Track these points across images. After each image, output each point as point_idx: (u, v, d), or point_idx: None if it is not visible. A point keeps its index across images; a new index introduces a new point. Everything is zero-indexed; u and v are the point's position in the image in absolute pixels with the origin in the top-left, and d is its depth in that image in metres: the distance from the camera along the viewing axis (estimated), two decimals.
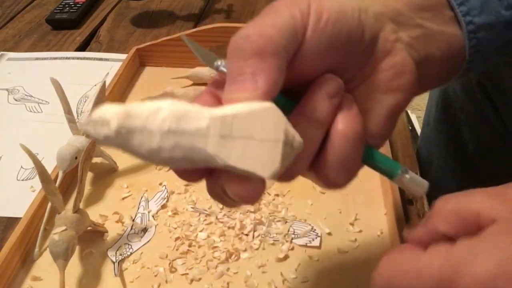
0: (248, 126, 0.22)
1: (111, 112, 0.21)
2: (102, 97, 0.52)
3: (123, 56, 0.73)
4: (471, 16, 0.30)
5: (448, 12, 0.30)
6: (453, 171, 0.61)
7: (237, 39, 0.25)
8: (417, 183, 0.28)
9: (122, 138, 0.21)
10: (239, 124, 0.22)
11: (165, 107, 0.22)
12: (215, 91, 0.26)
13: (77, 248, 0.43)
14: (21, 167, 0.56)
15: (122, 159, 0.54)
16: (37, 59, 0.77)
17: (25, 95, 0.69)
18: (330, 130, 0.26)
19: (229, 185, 0.23)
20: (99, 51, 0.79)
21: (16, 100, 0.68)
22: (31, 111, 0.66)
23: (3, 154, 0.58)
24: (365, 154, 0.27)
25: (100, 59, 0.76)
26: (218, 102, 0.26)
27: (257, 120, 0.22)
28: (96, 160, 0.54)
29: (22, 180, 0.55)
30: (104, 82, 0.53)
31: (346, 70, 0.27)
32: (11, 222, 0.49)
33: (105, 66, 0.75)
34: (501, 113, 0.52)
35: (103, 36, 0.84)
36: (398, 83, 0.28)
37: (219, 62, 0.27)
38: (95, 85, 0.70)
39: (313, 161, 0.27)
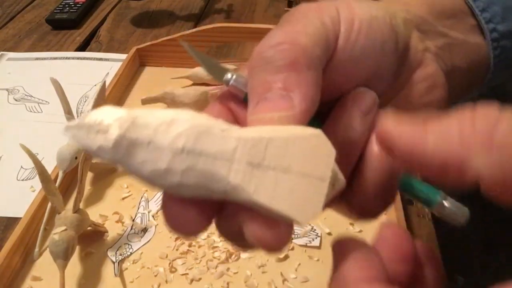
0: (287, 155, 0.18)
1: (112, 116, 0.17)
2: (102, 97, 0.52)
3: (123, 56, 0.73)
4: (494, 24, 0.29)
5: (470, 20, 0.29)
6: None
7: (263, 48, 0.21)
8: (458, 211, 0.24)
9: (121, 152, 0.17)
10: (274, 151, 0.18)
11: (182, 119, 0.17)
12: (227, 103, 0.23)
13: (77, 248, 0.43)
14: (21, 167, 0.56)
15: None
16: (37, 59, 0.77)
17: (25, 95, 0.69)
18: (365, 152, 0.23)
19: (249, 226, 0.19)
20: (99, 51, 0.79)
21: (16, 100, 0.68)
22: (31, 111, 0.66)
23: (3, 154, 0.58)
24: (402, 179, 0.24)
25: (100, 59, 0.76)
26: (234, 117, 0.22)
27: (299, 149, 0.18)
28: (96, 160, 0.54)
29: (22, 180, 0.55)
30: (104, 82, 0.53)
31: (378, 83, 0.24)
32: (11, 222, 0.49)
33: (105, 66, 0.75)
34: None
35: (103, 36, 0.84)
36: (430, 98, 0.26)
37: (229, 76, 0.22)
38: (95, 85, 0.70)
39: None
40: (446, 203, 0.24)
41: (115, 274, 0.43)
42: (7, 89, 0.70)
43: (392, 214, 0.45)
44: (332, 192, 0.19)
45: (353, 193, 0.23)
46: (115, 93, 0.63)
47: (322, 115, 0.23)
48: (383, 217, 0.47)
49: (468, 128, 0.17)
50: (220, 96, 0.23)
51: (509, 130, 0.17)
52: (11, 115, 0.65)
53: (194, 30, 0.68)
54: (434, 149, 0.18)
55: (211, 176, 0.17)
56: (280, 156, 0.18)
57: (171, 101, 0.59)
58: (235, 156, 0.18)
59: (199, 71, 0.65)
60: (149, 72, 0.71)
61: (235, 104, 0.22)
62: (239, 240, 0.20)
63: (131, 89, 0.67)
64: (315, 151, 0.18)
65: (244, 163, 0.18)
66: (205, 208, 0.19)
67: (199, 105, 0.58)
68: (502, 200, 0.17)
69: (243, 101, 0.22)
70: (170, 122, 0.17)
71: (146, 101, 0.59)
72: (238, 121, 0.22)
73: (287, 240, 0.19)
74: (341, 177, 0.20)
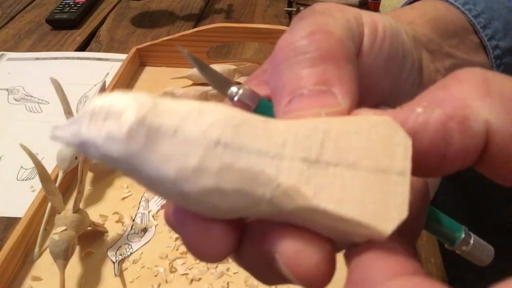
0: (351, 148, 0.14)
1: (125, 99, 0.14)
2: None
3: (123, 56, 0.73)
4: (496, 40, 0.29)
5: (474, 38, 0.29)
6: (446, 189, 0.61)
7: (293, 39, 0.18)
8: (482, 249, 0.22)
9: (137, 143, 0.13)
10: (335, 144, 0.14)
11: (214, 109, 0.14)
12: None
13: (77, 248, 0.43)
14: (21, 167, 0.56)
15: None
16: (37, 59, 0.77)
17: (25, 95, 0.69)
18: None
19: (289, 255, 0.14)
20: (99, 51, 0.79)
21: (16, 100, 0.68)
22: (31, 111, 0.66)
23: (3, 154, 0.58)
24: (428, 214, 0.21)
25: (100, 59, 0.76)
26: None
27: (366, 139, 0.14)
28: (96, 160, 0.54)
29: (22, 180, 0.55)
30: (104, 82, 0.53)
31: (396, 101, 0.22)
32: (11, 222, 0.49)
33: (105, 66, 0.75)
34: None
35: (103, 36, 0.84)
36: None
37: (235, 90, 0.19)
38: (95, 85, 0.70)
39: None
40: (470, 241, 0.22)
41: (115, 274, 0.43)
42: (7, 89, 0.70)
43: None
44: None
45: None
46: None
47: None
48: None
49: (458, 88, 0.15)
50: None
51: (500, 79, 0.15)
52: (11, 115, 0.65)
53: (194, 30, 0.68)
54: (426, 114, 0.15)
55: (254, 177, 0.13)
56: (343, 150, 0.14)
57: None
58: (284, 151, 0.14)
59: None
60: (149, 72, 0.71)
61: None
62: (269, 273, 0.16)
63: (131, 89, 0.67)
64: (385, 141, 0.14)
65: (298, 160, 0.14)
66: (232, 226, 0.15)
67: None
68: (506, 173, 0.15)
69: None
70: (200, 111, 0.14)
71: None
72: None
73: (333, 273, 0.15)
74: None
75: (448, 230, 0.22)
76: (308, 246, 0.14)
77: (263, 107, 0.19)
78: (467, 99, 0.14)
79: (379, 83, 0.21)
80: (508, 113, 0.14)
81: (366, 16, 0.20)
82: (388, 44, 0.20)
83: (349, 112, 0.16)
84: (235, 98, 0.19)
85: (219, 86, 0.21)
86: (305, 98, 0.16)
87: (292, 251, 0.14)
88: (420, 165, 0.15)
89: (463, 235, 0.21)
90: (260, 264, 0.16)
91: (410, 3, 0.31)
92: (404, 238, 0.16)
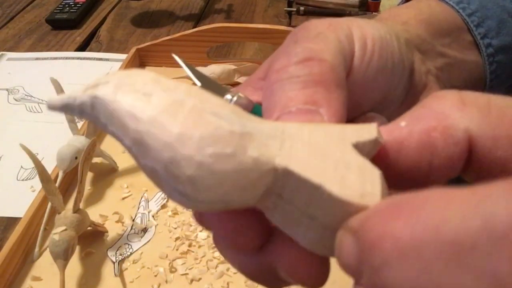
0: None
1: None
2: None
3: (123, 56, 0.73)
4: (489, 39, 0.29)
5: (467, 36, 0.29)
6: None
7: (287, 63, 0.19)
8: None
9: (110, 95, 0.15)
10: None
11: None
12: None
13: (77, 248, 0.43)
14: (21, 167, 0.56)
15: (122, 159, 0.54)
16: (37, 59, 0.77)
17: (25, 95, 0.69)
18: None
19: (288, 264, 0.16)
20: (99, 51, 0.79)
21: (16, 100, 0.68)
22: (31, 111, 0.66)
23: (3, 154, 0.58)
24: None
25: (100, 59, 0.76)
26: None
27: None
28: (96, 160, 0.54)
29: (22, 180, 0.55)
30: None
31: (386, 107, 0.24)
32: (11, 222, 0.49)
33: (105, 66, 0.75)
34: None
35: (103, 36, 0.84)
36: None
37: (229, 97, 0.20)
38: None
39: None
40: None
41: (115, 274, 0.43)
42: (7, 89, 0.70)
43: None
44: None
45: None
46: None
47: None
48: None
49: (437, 103, 0.16)
50: None
51: (473, 94, 0.15)
52: (11, 115, 0.65)
53: (194, 30, 0.68)
54: (410, 126, 0.16)
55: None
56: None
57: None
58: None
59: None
60: None
61: None
62: (271, 278, 0.17)
63: None
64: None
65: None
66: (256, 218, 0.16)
67: None
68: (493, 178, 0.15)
69: None
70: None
71: None
72: None
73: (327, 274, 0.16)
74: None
75: None
76: (304, 254, 0.16)
77: (256, 113, 0.20)
78: (447, 111, 0.15)
79: (369, 94, 0.22)
80: (485, 118, 0.15)
81: (357, 31, 0.21)
82: (377, 57, 0.21)
83: None
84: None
85: (213, 92, 0.21)
86: (292, 115, 0.17)
87: (291, 262, 0.16)
88: (408, 175, 0.16)
89: None
90: (263, 272, 0.17)
91: (406, 1, 0.31)
92: None
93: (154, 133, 0.14)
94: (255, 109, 0.21)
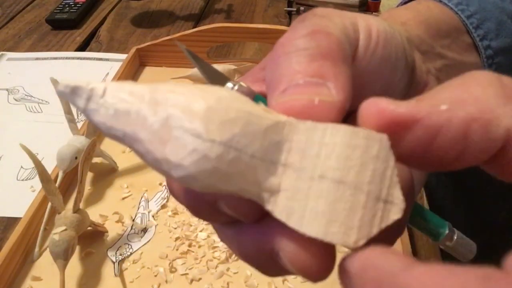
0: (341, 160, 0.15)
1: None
2: None
3: (123, 56, 0.73)
4: (488, 40, 0.29)
5: (466, 38, 0.29)
6: (446, 188, 0.61)
7: (292, 36, 0.19)
8: (465, 245, 0.23)
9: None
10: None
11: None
12: None
13: (77, 248, 0.43)
14: (21, 167, 0.56)
15: (122, 159, 0.54)
16: (37, 59, 0.77)
17: (25, 95, 0.69)
18: None
19: (292, 253, 0.16)
20: (99, 51, 0.79)
21: (16, 100, 0.68)
22: (31, 111, 0.66)
23: (3, 154, 0.58)
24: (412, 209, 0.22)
25: (100, 59, 0.76)
26: None
27: (357, 151, 0.15)
28: (96, 160, 0.54)
29: (22, 180, 0.55)
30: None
31: None
32: (11, 222, 0.49)
33: (105, 66, 0.75)
34: None
35: (103, 36, 0.84)
36: None
37: (230, 85, 0.20)
38: None
39: None
40: (454, 236, 0.22)
41: (115, 274, 0.43)
42: (7, 89, 0.70)
43: None
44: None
45: None
46: None
47: None
48: None
49: (479, 90, 0.15)
50: None
51: None
52: (11, 115, 0.65)
53: (194, 30, 0.68)
54: (451, 112, 0.15)
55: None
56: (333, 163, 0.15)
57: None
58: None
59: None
60: (149, 72, 0.71)
61: None
62: (271, 265, 0.17)
63: None
64: (377, 155, 0.15)
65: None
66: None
67: None
68: None
69: None
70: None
71: None
72: None
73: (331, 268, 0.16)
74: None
75: (433, 225, 0.23)
76: (308, 243, 0.15)
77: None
78: (490, 103, 0.15)
79: (371, 85, 0.22)
80: None
81: (362, 21, 0.21)
82: (381, 48, 0.21)
83: (342, 105, 0.17)
84: None
85: (216, 82, 0.21)
86: (300, 87, 0.17)
87: (294, 250, 0.15)
88: (439, 158, 0.16)
89: (447, 231, 0.22)
90: (264, 258, 0.17)
91: (405, 3, 0.31)
92: (388, 236, 0.17)
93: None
94: (256, 99, 0.20)
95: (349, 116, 0.21)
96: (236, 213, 0.16)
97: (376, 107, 0.16)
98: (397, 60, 0.22)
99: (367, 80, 0.21)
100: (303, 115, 0.16)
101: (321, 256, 0.15)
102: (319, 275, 0.16)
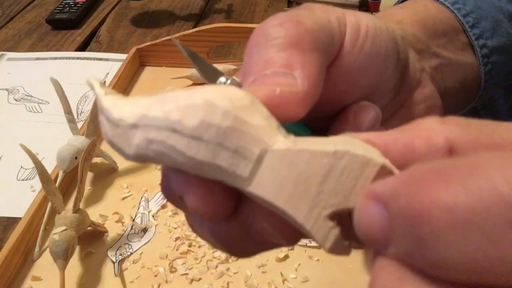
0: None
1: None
2: None
3: (123, 56, 0.73)
4: (484, 39, 0.29)
5: (462, 37, 0.29)
6: None
7: (265, 26, 0.19)
8: None
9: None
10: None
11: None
12: None
13: (77, 248, 0.43)
14: (21, 167, 0.56)
15: (122, 159, 0.54)
16: (37, 59, 0.77)
17: (25, 95, 0.69)
18: None
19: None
20: (99, 51, 0.79)
21: (16, 100, 0.68)
22: (31, 111, 0.66)
23: (3, 154, 0.58)
24: None
25: (100, 59, 0.76)
26: None
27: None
28: (96, 160, 0.54)
29: (22, 180, 0.55)
30: (104, 82, 0.53)
31: (378, 98, 0.23)
32: (11, 222, 0.49)
33: (105, 66, 0.75)
34: None
35: (103, 36, 0.84)
36: None
37: (223, 80, 0.21)
38: None
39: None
40: None
41: (115, 274, 0.43)
42: (7, 89, 0.70)
43: None
44: None
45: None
46: None
47: (321, 129, 0.22)
48: None
49: (420, 122, 0.16)
50: None
51: (452, 117, 0.16)
52: (11, 115, 0.65)
53: (194, 30, 0.68)
54: (397, 133, 0.16)
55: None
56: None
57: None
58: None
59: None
60: (149, 72, 0.71)
61: None
62: (246, 239, 0.18)
63: (131, 89, 0.67)
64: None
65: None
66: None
67: None
68: None
69: None
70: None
71: None
72: None
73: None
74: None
75: None
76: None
77: None
78: (429, 126, 0.15)
79: (360, 81, 0.22)
80: (464, 130, 0.15)
81: (350, 16, 0.21)
82: (370, 43, 0.21)
83: (306, 95, 0.17)
84: None
85: (209, 77, 0.22)
86: (267, 77, 0.17)
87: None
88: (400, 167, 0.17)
89: None
90: (242, 229, 0.17)
91: (401, 2, 0.31)
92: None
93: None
94: None
95: (339, 112, 0.21)
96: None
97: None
98: (387, 56, 0.22)
99: (355, 75, 0.21)
100: (266, 105, 0.16)
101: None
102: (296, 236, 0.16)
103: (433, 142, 0.15)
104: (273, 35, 0.19)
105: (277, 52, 0.18)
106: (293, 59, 0.18)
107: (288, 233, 0.17)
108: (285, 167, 0.15)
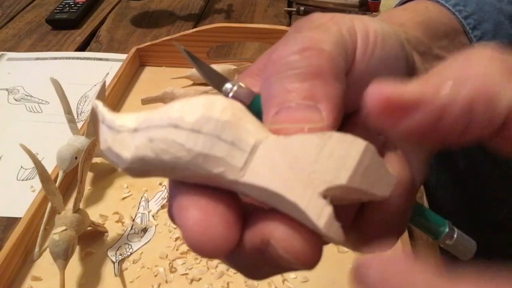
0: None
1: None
2: (102, 97, 0.52)
3: (123, 56, 0.73)
4: (485, 41, 0.29)
5: (463, 39, 0.29)
6: (446, 188, 0.61)
7: (284, 54, 0.19)
8: (465, 243, 0.23)
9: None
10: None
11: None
12: None
13: (77, 248, 0.43)
14: (21, 167, 0.56)
15: None
16: (37, 59, 0.77)
17: (25, 95, 0.69)
18: None
19: (283, 238, 0.16)
20: (99, 51, 0.79)
21: (16, 100, 0.68)
22: (31, 111, 0.66)
23: (3, 154, 0.58)
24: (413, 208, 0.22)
25: (100, 59, 0.76)
26: None
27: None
28: (96, 160, 0.54)
29: (22, 180, 0.55)
30: (104, 82, 0.53)
31: None
32: (11, 222, 0.49)
33: (105, 66, 0.75)
34: None
35: (103, 36, 0.84)
36: None
37: (229, 86, 0.20)
38: (95, 85, 0.70)
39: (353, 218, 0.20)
40: (454, 235, 0.22)
41: (115, 274, 0.43)
42: (7, 89, 0.70)
43: None
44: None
45: (363, 224, 0.20)
46: (115, 93, 0.63)
47: None
48: None
49: (482, 65, 0.16)
50: None
51: None
52: (11, 115, 0.65)
53: (194, 30, 0.68)
54: (453, 92, 0.16)
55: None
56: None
57: (171, 101, 0.59)
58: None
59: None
60: (149, 72, 0.71)
61: None
62: (261, 262, 0.17)
63: (131, 89, 0.67)
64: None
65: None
66: (234, 217, 0.16)
67: None
68: None
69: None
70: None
71: (146, 101, 0.59)
72: None
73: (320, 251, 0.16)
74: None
75: (433, 224, 0.23)
76: (298, 229, 0.16)
77: (257, 103, 0.20)
78: (492, 80, 0.15)
79: None
80: None
81: (359, 23, 0.21)
82: (379, 49, 0.21)
83: (332, 127, 0.17)
84: (230, 95, 0.20)
85: (215, 83, 0.22)
86: (291, 111, 0.17)
87: (287, 234, 0.16)
88: (444, 135, 0.16)
89: (447, 230, 0.22)
90: (254, 256, 0.17)
91: (403, 3, 0.31)
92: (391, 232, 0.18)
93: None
94: (256, 99, 0.21)
95: (351, 116, 0.21)
96: None
97: (380, 94, 0.16)
98: (396, 60, 0.22)
99: (366, 82, 0.21)
100: None
101: (312, 240, 0.16)
102: (313, 260, 0.16)
103: (493, 107, 0.15)
104: (294, 64, 0.18)
105: (300, 82, 0.18)
106: (317, 91, 0.18)
107: (302, 254, 0.16)
108: (278, 152, 0.16)
